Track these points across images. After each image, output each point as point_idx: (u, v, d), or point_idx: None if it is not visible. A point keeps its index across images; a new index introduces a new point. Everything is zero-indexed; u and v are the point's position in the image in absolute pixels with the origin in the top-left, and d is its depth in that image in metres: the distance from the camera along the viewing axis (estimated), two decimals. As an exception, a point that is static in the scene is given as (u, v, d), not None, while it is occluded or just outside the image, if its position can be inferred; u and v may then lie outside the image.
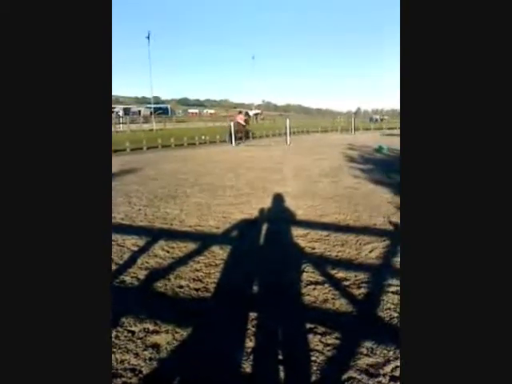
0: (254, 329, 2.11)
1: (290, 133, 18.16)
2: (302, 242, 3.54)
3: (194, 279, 2.75)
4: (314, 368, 1.79)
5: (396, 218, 4.29)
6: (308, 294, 2.51)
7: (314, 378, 1.73)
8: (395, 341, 1.95)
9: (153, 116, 31.92)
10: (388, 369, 1.77)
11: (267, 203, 5.17)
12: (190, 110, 70.77)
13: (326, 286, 2.63)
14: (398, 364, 1.79)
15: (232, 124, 16.91)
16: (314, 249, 3.36)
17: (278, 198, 5.45)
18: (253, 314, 2.25)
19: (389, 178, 7.02)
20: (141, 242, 3.55)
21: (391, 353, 1.87)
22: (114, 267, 2.97)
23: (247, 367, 1.79)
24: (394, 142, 14.46)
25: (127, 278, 2.78)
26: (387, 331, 2.07)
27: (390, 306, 2.34)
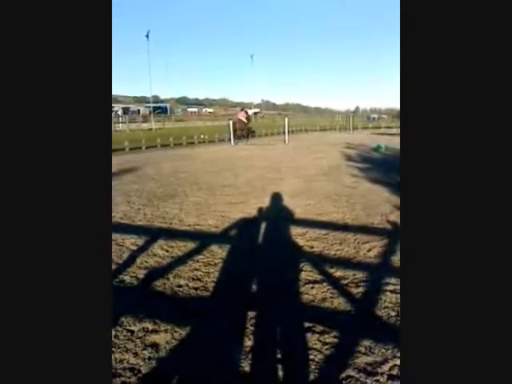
0: (252, 328, 2.11)
1: (289, 132, 18.17)
2: (300, 241, 3.54)
3: (193, 278, 2.76)
4: (313, 367, 1.79)
5: (394, 217, 4.30)
6: (306, 293, 2.52)
7: (312, 376, 1.74)
8: (393, 339, 1.96)
9: (152, 115, 31.89)
10: (386, 367, 1.77)
11: (266, 202, 5.18)
12: (189, 109, 70.58)
13: (325, 284, 2.64)
14: (396, 363, 1.80)
15: (231, 123, 16.80)
16: (312, 247, 3.37)
17: (277, 197, 5.45)
18: (251, 313, 2.25)
19: (386, 177, 7.03)
20: (140, 242, 3.55)
21: (389, 351, 1.88)
22: (113, 266, 2.97)
23: (246, 366, 1.80)
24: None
25: (126, 278, 2.78)
26: (385, 330, 2.08)
27: (388, 304, 2.34)
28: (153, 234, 3.75)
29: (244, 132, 17.14)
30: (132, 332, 2.09)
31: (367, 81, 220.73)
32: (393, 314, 2.24)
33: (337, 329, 2.09)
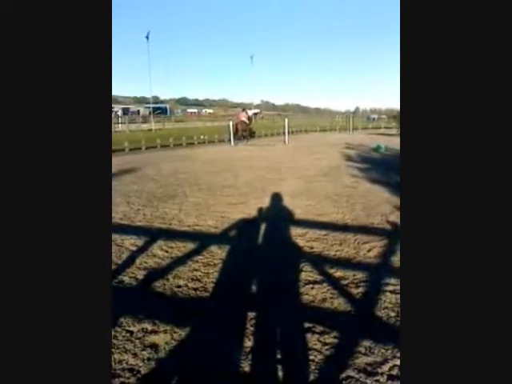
0: (252, 328, 2.11)
1: (289, 132, 18.17)
2: (300, 241, 3.54)
3: (192, 279, 2.76)
4: (313, 367, 1.79)
5: (393, 217, 4.30)
6: (306, 293, 2.52)
7: (312, 377, 1.73)
8: (393, 340, 1.95)
9: (151, 116, 31.90)
10: (386, 368, 1.77)
11: (266, 203, 5.18)
12: (189, 110, 70.63)
13: (325, 285, 2.64)
14: (396, 363, 1.79)
15: (231, 123, 16.79)
16: (312, 248, 3.37)
17: (277, 198, 5.45)
18: (251, 314, 2.25)
19: (386, 177, 7.04)
20: (139, 242, 3.55)
21: (389, 352, 1.88)
22: (112, 267, 2.97)
23: (246, 366, 1.79)
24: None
25: (126, 278, 2.78)
26: (385, 330, 2.08)
27: (387, 305, 2.34)
28: (152, 235, 3.75)
29: (246, 133, 17.16)
30: (131, 332, 2.08)
31: (367, 81, 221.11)
32: (392, 314, 2.24)
33: (337, 329, 2.09)
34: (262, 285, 2.69)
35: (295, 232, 3.82)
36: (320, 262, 3.05)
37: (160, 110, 48.79)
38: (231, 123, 16.84)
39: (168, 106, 59.79)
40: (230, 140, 16.47)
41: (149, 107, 40.80)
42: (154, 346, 1.96)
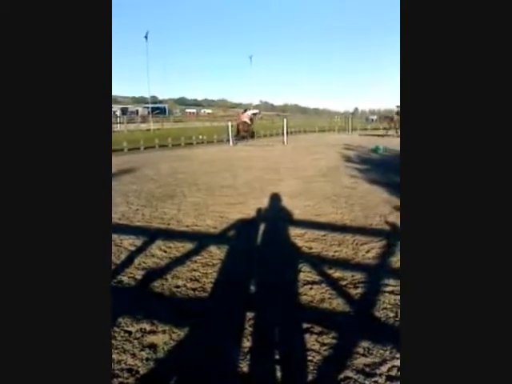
0: (250, 328, 2.11)
1: (288, 133, 18.18)
2: (299, 242, 3.54)
3: (191, 279, 2.75)
4: (311, 367, 1.79)
5: (392, 218, 4.31)
6: (305, 294, 2.52)
7: (310, 377, 1.73)
8: (392, 340, 1.96)
9: (150, 116, 31.88)
10: (384, 368, 1.77)
11: (264, 203, 5.18)
12: (188, 110, 70.52)
13: (323, 285, 2.64)
14: (395, 364, 1.80)
15: (229, 123, 16.81)
16: (311, 248, 3.37)
17: (275, 198, 5.45)
18: (250, 314, 2.25)
19: (385, 178, 7.05)
20: (138, 242, 3.55)
21: (387, 352, 1.88)
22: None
23: (244, 367, 1.79)
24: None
25: (124, 278, 2.77)
26: (384, 331, 2.08)
27: (386, 305, 2.35)
28: (151, 235, 3.74)
29: (247, 133, 17.23)
30: (130, 333, 2.08)
31: (366, 82, 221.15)
32: (391, 315, 2.24)
33: (335, 330, 2.09)
34: (260, 285, 2.69)
35: (294, 232, 3.83)
36: (319, 262, 3.05)
37: (159, 110, 48.75)
38: (230, 123, 16.88)
39: (167, 106, 59.75)
40: (228, 140, 16.47)
41: (147, 107, 40.74)
42: (153, 347, 1.95)
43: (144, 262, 3.07)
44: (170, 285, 2.67)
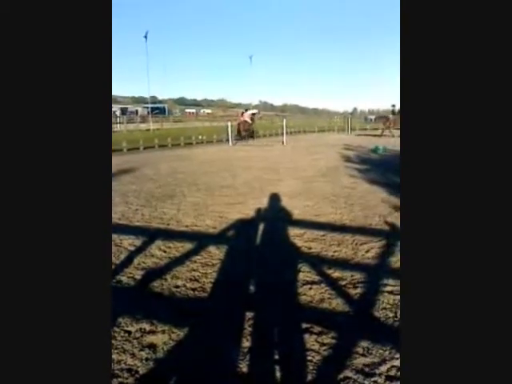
0: (250, 328, 2.11)
1: (287, 133, 18.20)
2: (298, 242, 3.54)
3: (190, 279, 2.75)
4: (310, 367, 1.79)
5: (391, 218, 4.31)
6: (304, 294, 2.52)
7: (309, 377, 1.74)
8: (391, 340, 1.96)
9: (150, 116, 31.89)
10: (384, 368, 1.78)
11: (264, 203, 5.18)
12: (187, 110, 70.53)
13: (323, 285, 2.64)
14: (394, 364, 1.80)
15: (229, 123, 16.82)
16: (310, 248, 3.37)
17: (275, 198, 5.46)
18: (249, 314, 2.25)
19: (384, 178, 7.05)
20: (138, 242, 3.54)
21: (387, 352, 1.88)
22: (110, 267, 2.96)
23: (244, 367, 1.79)
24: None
25: (124, 278, 2.77)
26: (383, 331, 2.08)
27: (385, 305, 2.35)
28: (150, 235, 3.74)
29: (247, 133, 17.28)
30: (129, 333, 2.08)
31: (365, 82, 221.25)
32: (391, 315, 2.24)
33: (335, 330, 2.09)
34: (260, 285, 2.69)
35: (293, 232, 3.83)
36: (318, 262, 3.05)
37: (158, 110, 48.80)
38: (229, 123, 16.90)
39: (166, 105, 59.79)
40: (228, 140, 16.47)
41: (147, 107, 40.78)
42: (152, 346, 1.95)
43: (143, 262, 3.07)
44: (169, 285, 2.66)
